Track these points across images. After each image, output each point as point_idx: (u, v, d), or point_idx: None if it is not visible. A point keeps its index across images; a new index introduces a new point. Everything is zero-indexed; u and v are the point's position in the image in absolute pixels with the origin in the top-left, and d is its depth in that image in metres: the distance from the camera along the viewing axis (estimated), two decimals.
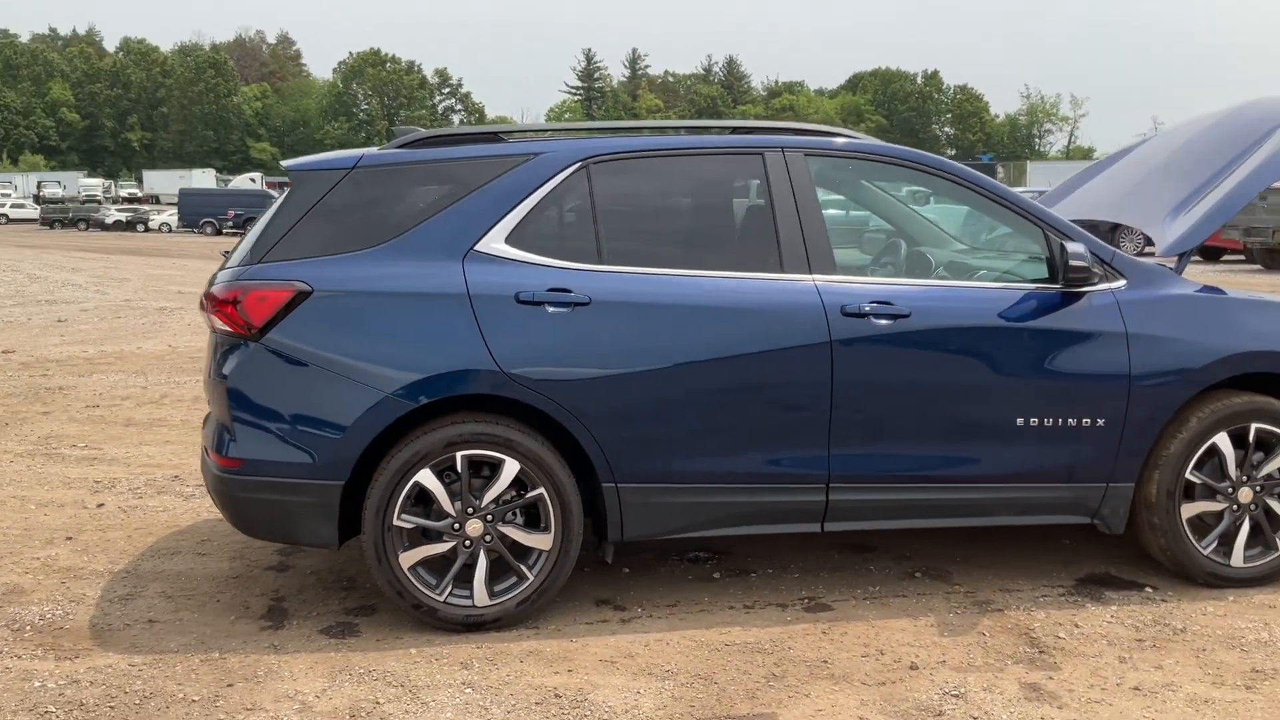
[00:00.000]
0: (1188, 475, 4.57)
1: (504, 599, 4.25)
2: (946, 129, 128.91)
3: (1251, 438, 4.58)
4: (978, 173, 4.80)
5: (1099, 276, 4.53)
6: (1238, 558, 4.65)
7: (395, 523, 4.14)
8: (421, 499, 4.19)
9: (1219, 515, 4.65)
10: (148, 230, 55.99)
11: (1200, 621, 4.34)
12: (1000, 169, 67.01)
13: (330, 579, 4.83)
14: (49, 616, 4.42)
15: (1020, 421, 4.45)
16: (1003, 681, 3.85)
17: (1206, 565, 4.63)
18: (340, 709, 3.65)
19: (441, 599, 4.20)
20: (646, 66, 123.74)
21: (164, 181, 77.70)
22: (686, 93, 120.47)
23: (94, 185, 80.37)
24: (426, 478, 4.13)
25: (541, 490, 4.21)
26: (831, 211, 4.91)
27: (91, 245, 36.70)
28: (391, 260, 4.20)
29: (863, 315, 4.33)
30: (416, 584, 4.19)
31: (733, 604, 4.55)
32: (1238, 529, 4.64)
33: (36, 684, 3.82)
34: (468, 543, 4.20)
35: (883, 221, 5.69)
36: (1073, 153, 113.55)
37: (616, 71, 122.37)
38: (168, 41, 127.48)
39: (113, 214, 56.96)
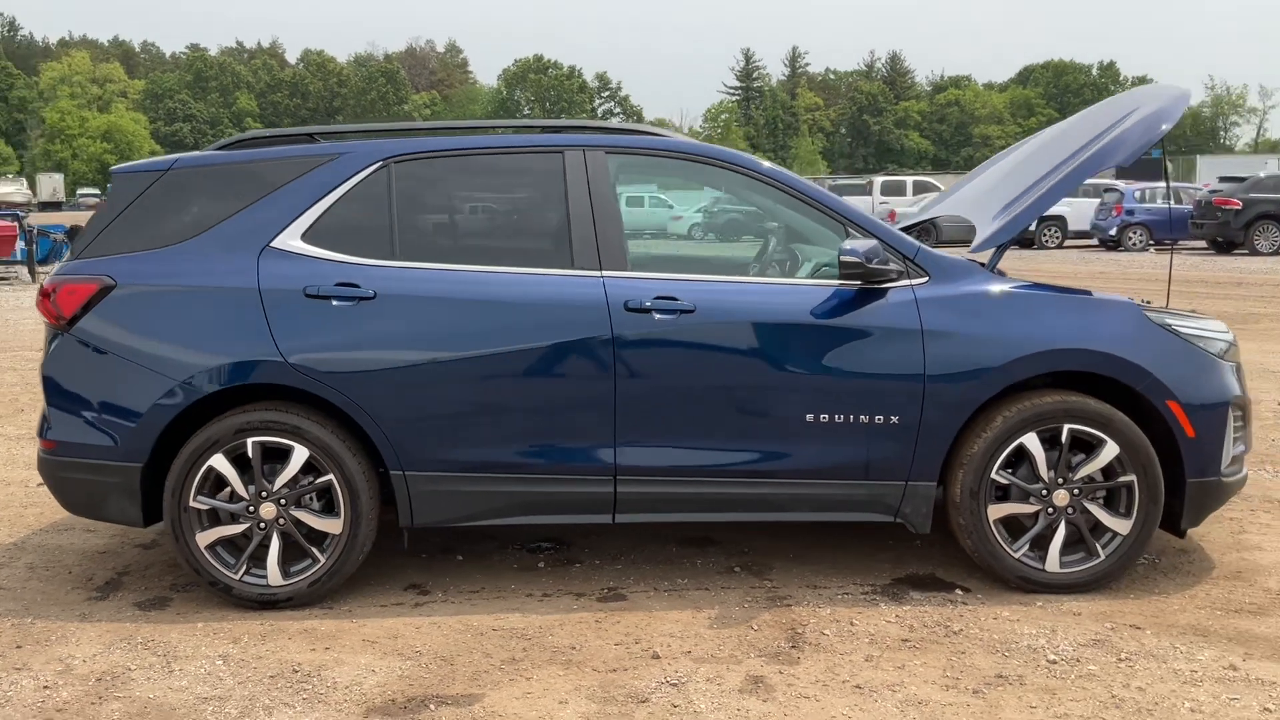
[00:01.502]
0: (994, 476, 4.46)
1: (297, 580, 4.46)
2: None
3: (1065, 438, 4.44)
4: (788, 173, 4.77)
5: (897, 273, 4.46)
6: (1053, 562, 4.51)
7: (191, 504, 4.40)
8: (220, 482, 4.44)
9: (1034, 517, 4.52)
10: None
11: (984, 625, 4.24)
12: (1169, 164, 63.80)
13: None
14: None
15: (810, 418, 4.42)
16: (731, 674, 3.87)
17: (1017, 568, 4.51)
18: (94, 673, 3.93)
19: (237, 577, 4.44)
20: (806, 65, 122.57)
21: None
22: (847, 90, 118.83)
23: None
24: (219, 462, 4.38)
25: (330, 476, 4.41)
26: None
27: None
28: (192, 256, 4.47)
29: (645, 310, 4.39)
30: (214, 562, 4.44)
31: (532, 592, 4.66)
32: (1053, 532, 4.50)
33: None
34: (262, 525, 4.43)
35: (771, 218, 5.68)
36: (1260, 146, 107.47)
37: (776, 70, 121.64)
38: (345, 52, 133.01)
39: None
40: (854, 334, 4.43)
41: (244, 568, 4.45)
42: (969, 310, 4.45)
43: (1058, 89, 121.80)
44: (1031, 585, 4.52)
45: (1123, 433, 4.43)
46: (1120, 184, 29.40)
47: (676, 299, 4.41)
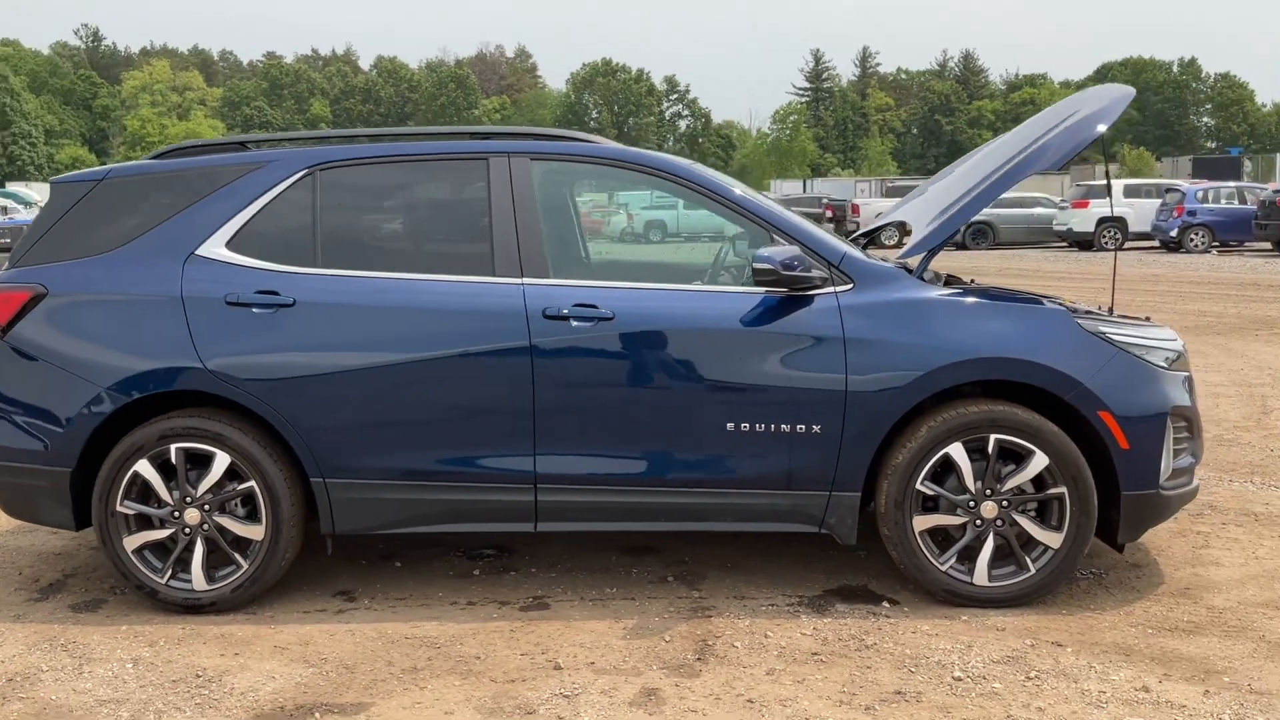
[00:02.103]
0: (919, 486, 4.36)
1: (221, 585, 4.50)
2: (1205, 120, 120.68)
3: (991, 449, 4.33)
4: (714, 176, 4.72)
5: (822, 280, 4.38)
6: (981, 576, 4.39)
7: (118, 509, 4.47)
8: (146, 488, 4.49)
9: (962, 529, 4.41)
10: None
11: (900, 639, 4.15)
12: (1247, 162, 62.11)
13: None
14: None
15: (730, 426, 4.36)
16: (628, 686, 3.82)
17: (943, 581, 4.41)
18: (6, 674, 4.01)
19: (163, 582, 4.50)
20: (877, 65, 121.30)
21: None
22: (919, 90, 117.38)
23: None
24: (144, 467, 4.44)
25: (252, 483, 4.44)
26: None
27: None
28: (121, 264, 4.53)
29: (562, 318, 4.36)
30: (141, 566, 4.50)
31: (458, 599, 4.65)
32: (982, 545, 4.39)
33: None
34: (186, 530, 4.48)
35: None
36: None
37: (846, 71, 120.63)
38: (417, 58, 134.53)
39: None
40: (775, 341, 4.36)
41: (169, 572, 4.50)
42: (891, 318, 4.36)
43: (1137, 86, 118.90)
44: (959, 599, 4.41)
45: (1052, 443, 4.30)
46: (1183, 184, 28.63)
47: (595, 306, 4.37)
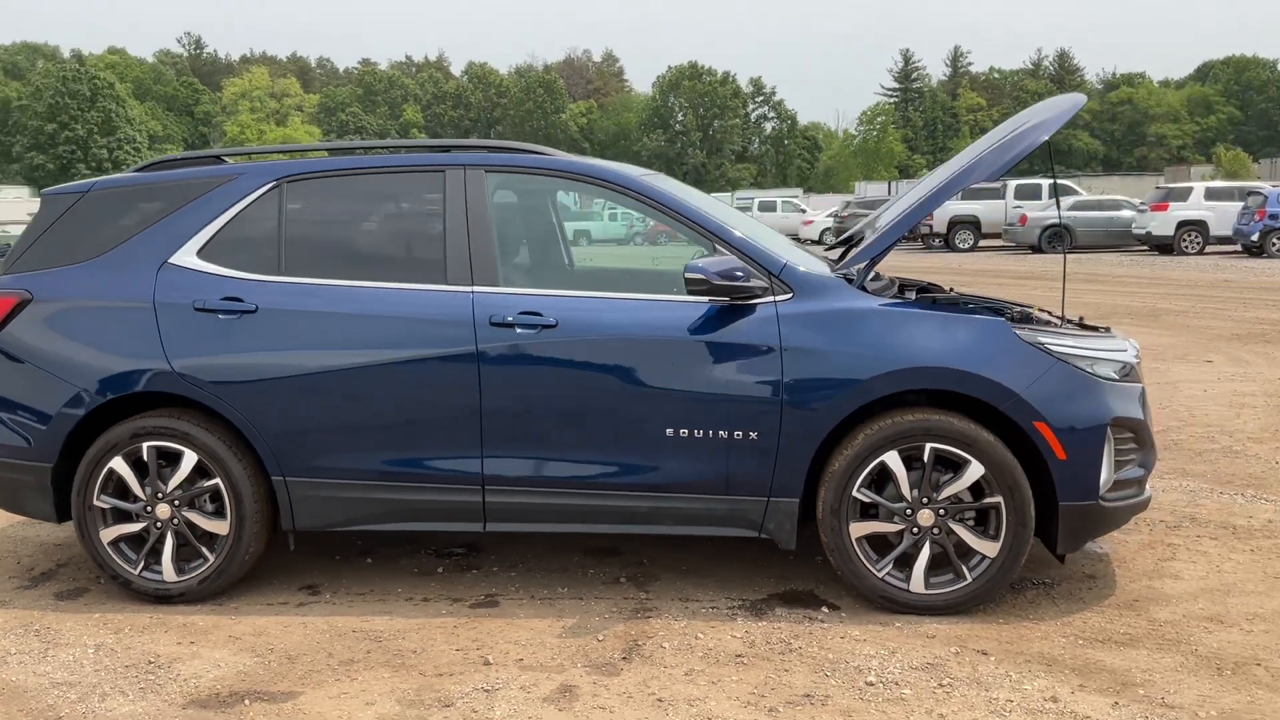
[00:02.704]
0: (856, 494, 4.42)
1: (189, 577, 4.74)
2: None
3: (927, 457, 4.37)
4: (661, 187, 4.80)
5: (762, 289, 4.46)
6: (918, 583, 4.44)
7: (95, 503, 4.73)
8: (122, 483, 4.75)
9: (899, 536, 4.46)
10: None
11: (826, 644, 4.21)
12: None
13: None
14: None
15: (670, 432, 4.46)
16: (548, 682, 3.95)
17: (879, 588, 4.46)
18: None
19: (136, 573, 4.75)
20: (969, 64, 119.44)
21: None
22: (1012, 89, 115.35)
23: None
24: (118, 464, 4.69)
25: (217, 480, 4.67)
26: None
27: None
28: (100, 272, 4.79)
29: (508, 325, 4.51)
30: (116, 558, 4.76)
31: (413, 596, 4.83)
32: (919, 552, 4.43)
33: None
34: (158, 524, 4.72)
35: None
36: None
37: (936, 71, 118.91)
38: (506, 64, 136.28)
39: None
40: (714, 350, 4.45)
41: (142, 564, 4.75)
42: (827, 327, 4.42)
43: (1239, 85, 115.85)
44: (896, 605, 4.46)
45: (988, 453, 4.33)
46: (1265, 186, 27.79)
47: (539, 314, 4.51)
